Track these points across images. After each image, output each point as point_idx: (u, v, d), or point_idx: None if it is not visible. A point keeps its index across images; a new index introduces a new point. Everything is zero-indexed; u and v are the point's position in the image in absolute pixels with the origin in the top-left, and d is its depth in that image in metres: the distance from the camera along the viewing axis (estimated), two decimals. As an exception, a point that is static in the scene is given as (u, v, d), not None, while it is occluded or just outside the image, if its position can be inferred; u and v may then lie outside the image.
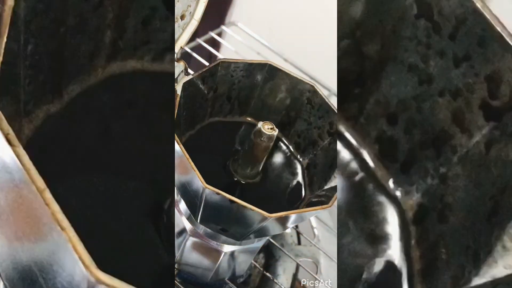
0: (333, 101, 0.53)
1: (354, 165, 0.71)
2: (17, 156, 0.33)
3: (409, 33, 0.63)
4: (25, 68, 0.50)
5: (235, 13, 1.05)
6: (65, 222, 0.31)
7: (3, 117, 0.35)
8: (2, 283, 0.48)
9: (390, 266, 0.64)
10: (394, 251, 0.65)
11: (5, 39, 0.39)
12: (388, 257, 0.65)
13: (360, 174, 0.71)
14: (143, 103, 0.65)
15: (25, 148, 0.54)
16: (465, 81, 0.59)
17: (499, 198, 0.54)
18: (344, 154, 0.71)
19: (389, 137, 0.69)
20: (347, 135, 0.72)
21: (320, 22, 0.66)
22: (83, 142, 0.59)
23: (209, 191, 0.41)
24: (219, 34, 0.88)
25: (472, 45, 0.57)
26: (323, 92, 0.51)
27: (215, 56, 0.83)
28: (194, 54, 0.78)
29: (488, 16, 0.55)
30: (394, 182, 0.68)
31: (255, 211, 0.41)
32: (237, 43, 0.86)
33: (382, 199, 0.68)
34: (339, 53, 0.68)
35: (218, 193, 0.41)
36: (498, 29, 0.54)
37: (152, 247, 0.56)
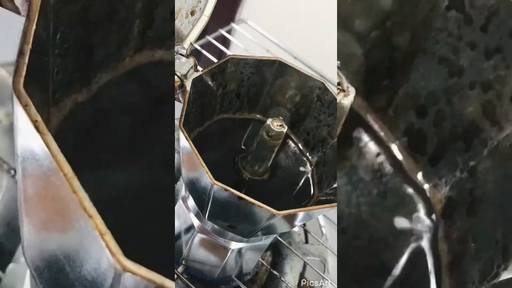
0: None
1: (382, 157, 0.71)
2: (46, 143, 0.33)
3: (440, 25, 0.63)
4: (53, 56, 0.50)
5: (245, 11, 1.06)
6: (92, 210, 0.31)
7: (31, 105, 0.35)
8: (29, 271, 0.49)
9: (417, 259, 0.64)
10: (422, 245, 0.65)
11: (34, 26, 0.39)
12: (415, 250, 0.65)
13: (388, 167, 0.71)
14: (171, 93, 0.65)
15: (53, 137, 0.54)
16: (496, 73, 0.59)
17: (529, 192, 0.53)
18: (372, 146, 0.72)
19: (418, 130, 0.69)
20: (375, 127, 0.72)
21: (331, 20, 0.66)
22: (112, 131, 0.60)
23: (218, 188, 0.41)
24: (229, 32, 0.88)
25: (503, 37, 0.57)
26: (333, 89, 0.50)
27: (225, 54, 0.83)
28: (204, 51, 0.78)
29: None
30: (422, 175, 0.68)
31: (263, 208, 0.41)
32: (247, 41, 0.86)
33: (410, 192, 0.68)
34: (368, 45, 0.68)
35: (226, 190, 0.41)
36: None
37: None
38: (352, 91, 0.54)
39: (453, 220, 0.63)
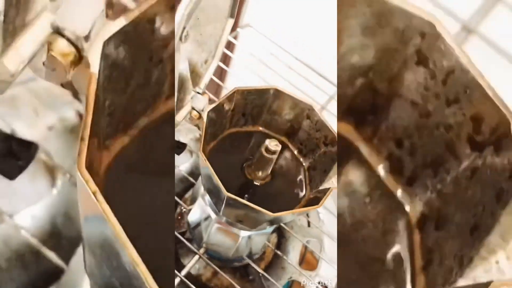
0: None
1: (369, 176, 0.77)
2: (103, 210, 0.38)
3: (411, 77, 0.68)
4: (104, 116, 0.56)
5: (247, 14, 1.04)
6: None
7: (91, 180, 0.39)
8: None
9: (397, 258, 0.71)
10: (402, 247, 0.71)
11: (90, 117, 0.44)
12: (396, 250, 0.72)
13: (375, 184, 0.77)
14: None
15: (104, 173, 0.60)
16: (455, 119, 0.64)
17: (479, 217, 0.59)
18: (361, 168, 0.78)
19: (397, 157, 0.74)
20: (364, 152, 0.78)
21: (333, 22, 0.68)
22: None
23: (229, 197, 0.49)
24: (235, 37, 0.89)
25: (460, 91, 0.63)
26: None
27: (229, 57, 0.87)
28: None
29: (472, 71, 0.61)
30: (401, 193, 0.74)
31: (262, 211, 0.48)
32: (251, 45, 0.88)
33: (392, 205, 0.74)
34: (356, 89, 0.74)
35: (235, 200, 0.49)
36: (480, 81, 0.60)
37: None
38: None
39: (425, 231, 0.69)
